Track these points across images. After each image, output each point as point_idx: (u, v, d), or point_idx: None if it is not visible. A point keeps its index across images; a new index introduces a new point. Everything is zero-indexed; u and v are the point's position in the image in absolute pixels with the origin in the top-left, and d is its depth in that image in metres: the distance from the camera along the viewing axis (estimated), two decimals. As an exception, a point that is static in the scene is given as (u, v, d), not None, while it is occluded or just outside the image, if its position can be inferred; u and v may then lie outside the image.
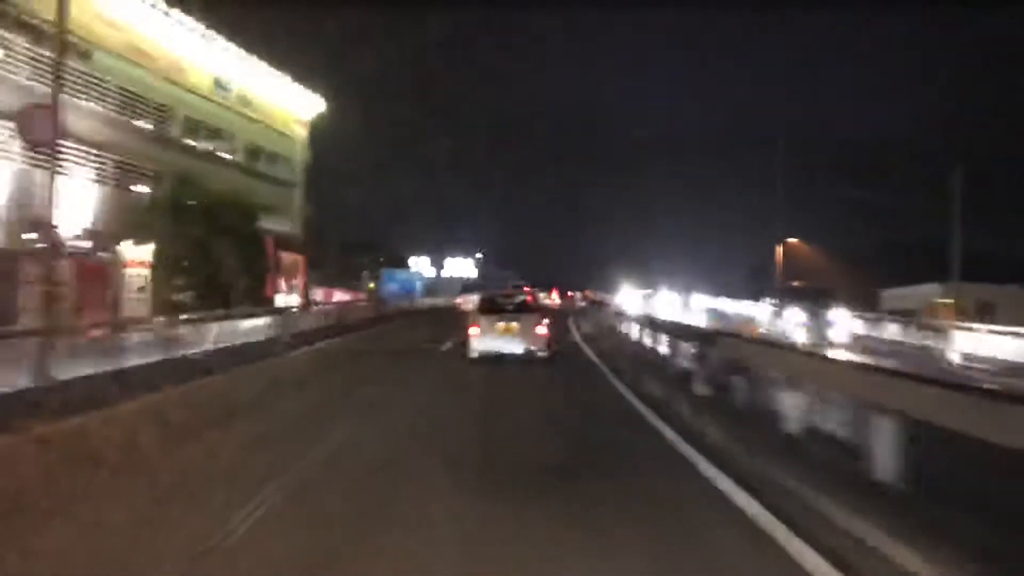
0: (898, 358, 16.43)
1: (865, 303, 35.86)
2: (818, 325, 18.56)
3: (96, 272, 21.71)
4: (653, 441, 7.88)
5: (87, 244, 23.43)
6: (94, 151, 24.22)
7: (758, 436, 6.76)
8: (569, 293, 74.89)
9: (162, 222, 23.22)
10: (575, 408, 10.78)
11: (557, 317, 29.47)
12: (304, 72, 36.32)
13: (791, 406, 6.74)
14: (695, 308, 41.46)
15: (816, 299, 20.05)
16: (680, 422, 8.40)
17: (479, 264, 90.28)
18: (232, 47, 30.70)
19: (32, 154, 19.13)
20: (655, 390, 10.82)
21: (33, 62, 21.98)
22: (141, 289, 21.46)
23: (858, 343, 19.14)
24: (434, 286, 67.27)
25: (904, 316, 30.05)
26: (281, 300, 29.64)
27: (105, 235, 23.25)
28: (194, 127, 29.51)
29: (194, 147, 29.38)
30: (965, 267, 33.21)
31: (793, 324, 19.05)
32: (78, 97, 23.60)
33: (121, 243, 22.29)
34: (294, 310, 28.60)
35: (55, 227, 14.03)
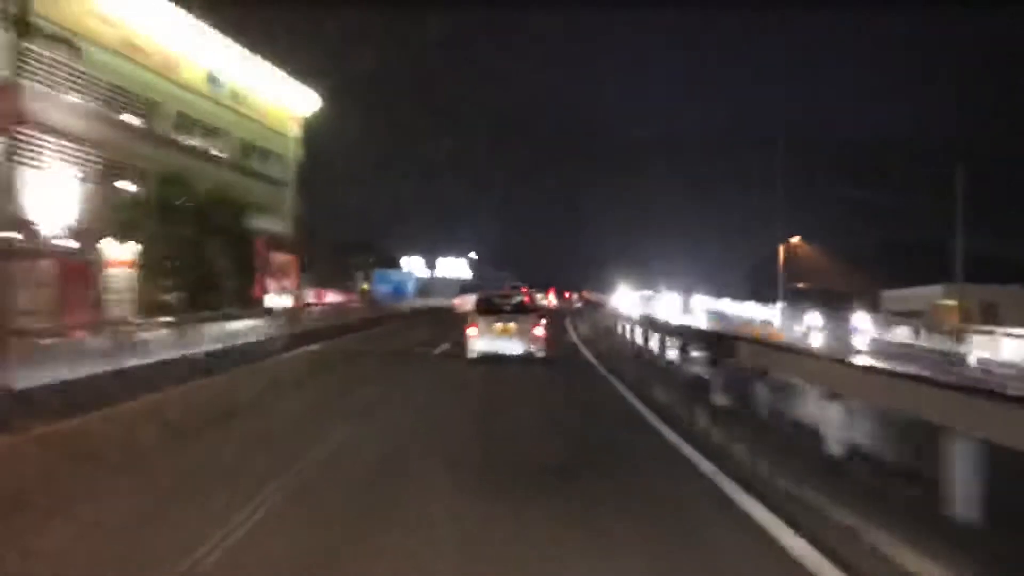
0: (917, 363, 15.75)
1: (868, 305, 35.26)
2: (837, 329, 17.65)
3: (79, 272, 20.99)
4: (669, 457, 7.19)
5: (71, 243, 22.78)
6: (80, 147, 23.55)
7: (792, 456, 6.03)
8: (566, 294, 74.35)
9: (149, 221, 22.60)
10: (579, 418, 10.00)
11: (554, 318, 28.87)
12: (303, 71, 35.76)
13: (827, 421, 6.04)
14: (696, 310, 40.78)
15: (832, 302, 19.16)
16: (698, 436, 7.68)
17: (472, 264, 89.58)
18: (226, 42, 30.01)
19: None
20: (666, 398, 10.10)
21: (19, 57, 21.30)
22: (123, 290, 20.69)
23: (873, 348, 18.35)
24: (428, 287, 66.47)
25: (908, 318, 29.50)
26: (272, 301, 28.91)
27: (90, 234, 22.56)
28: (185, 123, 28.81)
29: (185, 144, 28.68)
30: (966, 268, 32.71)
31: (810, 328, 18.15)
32: (66, 92, 22.96)
33: (102, 242, 21.53)
34: (281, 311, 27.90)
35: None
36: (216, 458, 7.26)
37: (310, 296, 37.25)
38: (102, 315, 20.17)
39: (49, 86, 22.31)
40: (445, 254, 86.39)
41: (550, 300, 57.96)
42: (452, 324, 28.96)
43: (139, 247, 21.36)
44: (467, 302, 40.56)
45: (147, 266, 21.87)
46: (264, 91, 33.92)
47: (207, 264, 24.20)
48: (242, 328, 19.64)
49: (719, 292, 53.52)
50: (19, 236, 17.14)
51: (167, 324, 17.38)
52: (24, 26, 13.98)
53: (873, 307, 37.87)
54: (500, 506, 5.43)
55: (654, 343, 15.85)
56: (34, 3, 18.97)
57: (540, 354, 15.95)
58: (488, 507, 5.42)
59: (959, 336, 18.39)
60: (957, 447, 4.26)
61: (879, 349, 18.17)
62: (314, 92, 37.13)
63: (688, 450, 7.21)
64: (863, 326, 18.34)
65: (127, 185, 25.46)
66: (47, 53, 22.03)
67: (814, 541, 4.48)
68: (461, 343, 17.31)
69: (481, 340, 16.05)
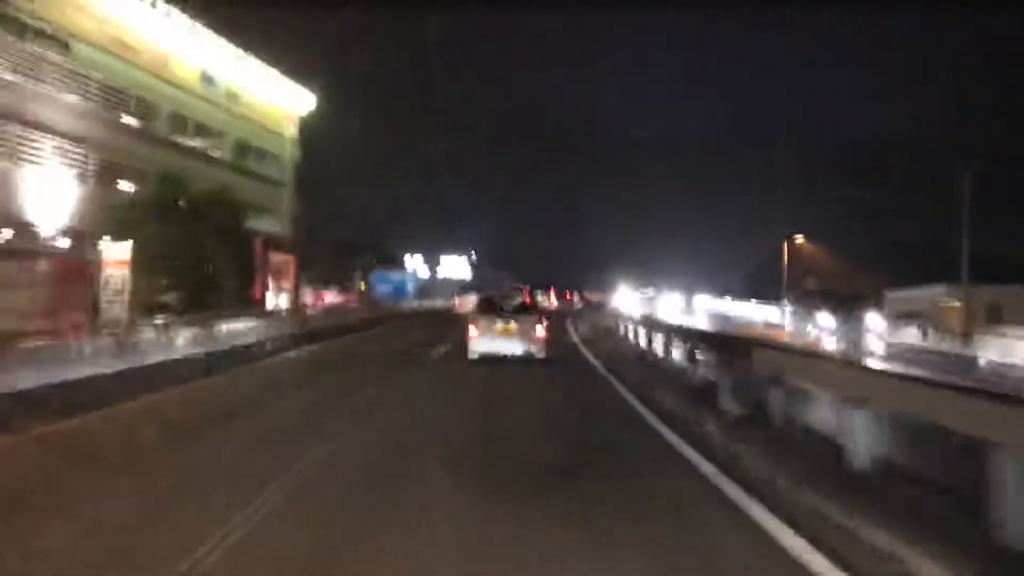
0: (931, 367, 15.38)
1: (872, 305, 34.92)
2: (850, 332, 17.17)
3: (76, 272, 20.67)
4: (680, 471, 6.77)
5: (68, 243, 22.48)
6: (75, 146, 23.25)
7: (814, 468, 5.70)
8: (567, 294, 74.04)
9: (145, 221, 22.30)
10: (583, 428, 9.48)
11: (555, 319, 28.55)
12: (302, 71, 35.58)
13: (852, 431, 5.71)
14: (698, 310, 40.43)
15: (844, 303, 18.65)
16: (710, 446, 7.31)
17: (472, 264, 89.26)
18: (219, 41, 29.73)
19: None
20: (671, 403, 9.73)
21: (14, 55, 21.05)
22: (119, 291, 20.34)
23: (888, 351, 17.88)
24: (428, 287, 66.09)
25: (911, 319, 29.18)
26: (270, 302, 28.59)
27: (86, 233, 22.26)
28: (180, 123, 28.53)
29: (180, 143, 28.40)
30: (975, 268, 32.42)
31: (821, 330, 17.69)
32: (58, 90, 22.66)
33: (100, 242, 21.22)
34: (278, 312, 27.59)
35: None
36: (214, 459, 7.20)
37: (308, 296, 36.93)
38: (99, 316, 19.86)
39: (39, 84, 22.07)
40: (445, 254, 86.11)
41: (551, 301, 57.63)
42: (451, 325, 28.63)
43: (137, 247, 21.02)
44: (467, 302, 40.37)
45: (145, 266, 21.55)
46: (259, 91, 33.65)
47: (205, 265, 23.90)
48: (237, 330, 19.31)
49: (719, 292, 53.22)
50: (11, 235, 16.91)
51: (164, 325, 17.05)
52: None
53: (877, 308, 37.58)
54: (497, 526, 5.12)
55: (658, 345, 15.53)
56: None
57: (540, 355, 15.93)
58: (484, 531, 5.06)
59: (967, 338, 18.07)
60: (1009, 466, 3.94)
61: (894, 352, 17.71)
62: (310, 92, 36.87)
63: (696, 458, 6.89)
64: (877, 328, 17.70)
65: (124, 185, 25.19)
66: (37, 50, 21.78)
67: (847, 567, 4.16)
68: (460, 344, 17.26)
69: (482, 340, 16.10)
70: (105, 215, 22.25)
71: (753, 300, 39.76)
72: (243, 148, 32.80)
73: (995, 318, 35.62)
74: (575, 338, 25.50)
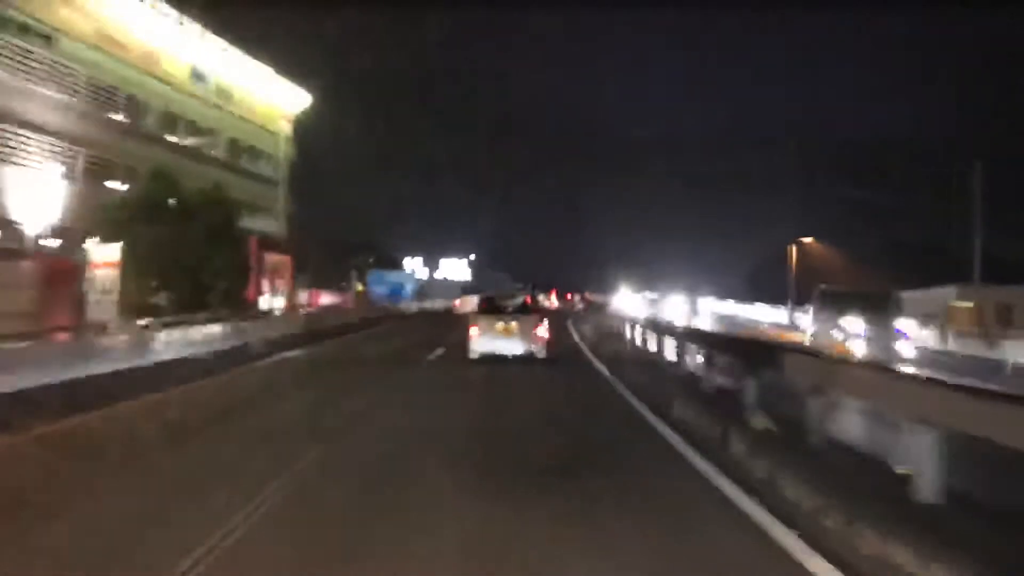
0: (957, 372, 14.62)
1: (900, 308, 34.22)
2: (881, 336, 16.31)
3: (62, 273, 19.99)
4: (705, 495, 5.94)
5: (52, 242, 21.80)
6: (62, 143, 22.59)
7: (872, 502, 4.87)
8: (568, 295, 73.35)
9: (135, 220, 21.65)
10: (589, 441, 8.56)
11: (556, 320, 27.87)
12: (300, 69, 35.00)
13: (917, 457, 4.93)
14: (702, 312, 39.66)
15: (873, 305, 17.65)
16: (738, 467, 6.49)
17: (472, 266, 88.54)
18: (212, 38, 29.04)
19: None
20: (690, 417, 8.93)
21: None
22: (107, 292, 19.63)
23: (920, 356, 16.89)
24: (427, 289, 65.25)
25: (926, 321, 28.47)
26: (265, 303, 27.86)
27: (74, 233, 21.59)
28: (171, 121, 27.85)
29: (171, 141, 27.71)
30: (974, 268, 31.82)
31: (848, 334, 16.81)
32: (43, 86, 21.99)
33: (87, 242, 20.55)
34: (269, 313, 26.86)
35: None
36: (175, 483, 6.41)
37: (304, 297, 36.21)
38: (82, 318, 19.17)
39: (25, 80, 21.40)
40: (445, 255, 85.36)
41: (551, 302, 56.82)
42: (449, 327, 27.95)
43: (126, 248, 20.32)
44: (467, 304, 39.67)
45: (134, 267, 20.85)
46: (253, 88, 32.99)
47: (197, 265, 23.21)
48: (221, 333, 18.56)
49: (721, 294, 52.48)
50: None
51: (145, 327, 16.35)
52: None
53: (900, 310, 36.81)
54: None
55: (669, 350, 14.76)
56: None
57: (541, 354, 16.00)
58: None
59: (988, 340, 17.32)
60: None
61: (926, 358, 16.72)
62: (305, 90, 36.21)
63: (724, 482, 6.07)
64: (910, 332, 16.80)
65: (114, 184, 24.51)
66: (21, 44, 21.11)
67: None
68: (459, 347, 17.24)
69: (482, 340, 16.20)
70: (94, 214, 21.62)
71: (759, 302, 39.05)
72: (236, 146, 32.12)
73: (1005, 319, 34.95)
74: (578, 341, 24.80)
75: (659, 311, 37.64)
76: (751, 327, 33.53)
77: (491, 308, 17.40)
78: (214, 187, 24.40)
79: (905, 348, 16.21)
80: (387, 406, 10.98)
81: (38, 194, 21.40)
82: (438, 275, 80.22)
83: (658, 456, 7.41)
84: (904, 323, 17.10)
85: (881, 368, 6.16)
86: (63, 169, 22.63)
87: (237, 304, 24.42)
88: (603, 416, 10.24)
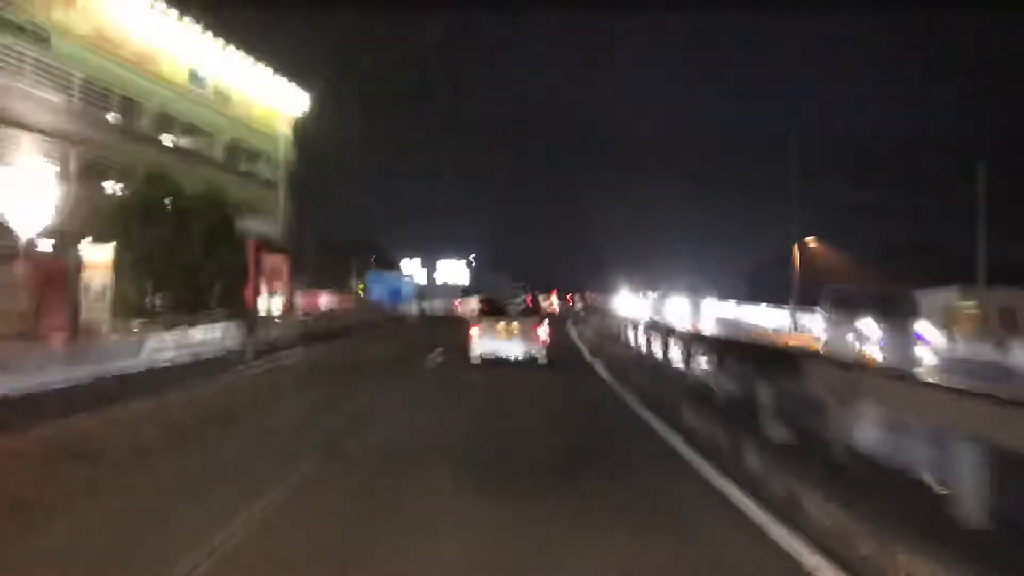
0: (977, 378, 14.13)
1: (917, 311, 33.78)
2: (899, 341, 15.73)
3: (54, 275, 19.68)
4: (727, 515, 5.60)
5: (45, 244, 21.45)
6: (57, 143, 22.24)
7: (911, 524, 4.49)
8: (568, 296, 72.86)
9: (131, 222, 21.35)
10: (595, 455, 7.99)
11: (556, 322, 27.59)
12: (300, 71, 34.71)
13: (960, 475, 4.61)
14: (705, 315, 39.23)
15: (889, 307, 16.99)
16: (758, 484, 6.16)
17: (471, 268, 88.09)
18: (210, 37, 28.68)
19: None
20: (700, 426, 8.60)
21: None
22: (100, 294, 19.30)
23: (943, 362, 16.22)
24: (425, 291, 64.81)
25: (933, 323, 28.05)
26: (262, 305, 27.49)
27: (69, 235, 21.24)
28: (168, 121, 27.50)
29: (168, 143, 27.36)
30: (975, 270, 31.48)
31: (863, 338, 16.22)
32: (37, 86, 21.64)
33: (81, 244, 20.23)
34: (274, 316, 26.48)
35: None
36: (137, 504, 5.90)
37: (302, 299, 35.83)
38: (75, 321, 18.84)
39: (18, 80, 21.06)
40: (444, 256, 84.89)
41: (551, 303, 56.35)
42: (448, 329, 27.65)
43: (121, 249, 19.99)
44: (467, 305, 39.31)
45: (129, 269, 20.54)
46: (252, 89, 32.62)
47: (194, 267, 22.89)
48: (218, 335, 18.23)
49: (722, 295, 52.09)
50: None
51: (132, 330, 16.04)
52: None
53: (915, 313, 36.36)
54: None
55: (676, 355, 14.40)
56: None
57: (542, 357, 15.92)
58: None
59: (1002, 344, 16.93)
60: None
61: (947, 364, 15.95)
62: (304, 91, 35.84)
63: (745, 502, 5.73)
64: (930, 336, 16.14)
65: (109, 185, 24.16)
66: (15, 44, 20.77)
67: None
68: (456, 351, 17.12)
69: (483, 342, 16.14)
70: (89, 216, 21.29)
71: (761, 303, 38.64)
72: (235, 148, 31.76)
73: (1009, 322, 34.57)
74: (580, 345, 24.48)
75: (661, 312, 37.27)
76: (755, 329, 33.17)
77: (492, 310, 17.27)
78: (211, 189, 24.07)
79: (925, 354, 15.65)
80: (376, 423, 9.89)
81: (32, 195, 21.06)
82: (437, 276, 79.73)
83: (671, 471, 7.04)
84: (923, 327, 16.51)
85: (917, 379, 5.77)
86: (58, 170, 22.29)
87: (234, 306, 24.10)
88: (609, 428, 9.73)
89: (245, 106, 32.34)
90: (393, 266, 68.29)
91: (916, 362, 14.99)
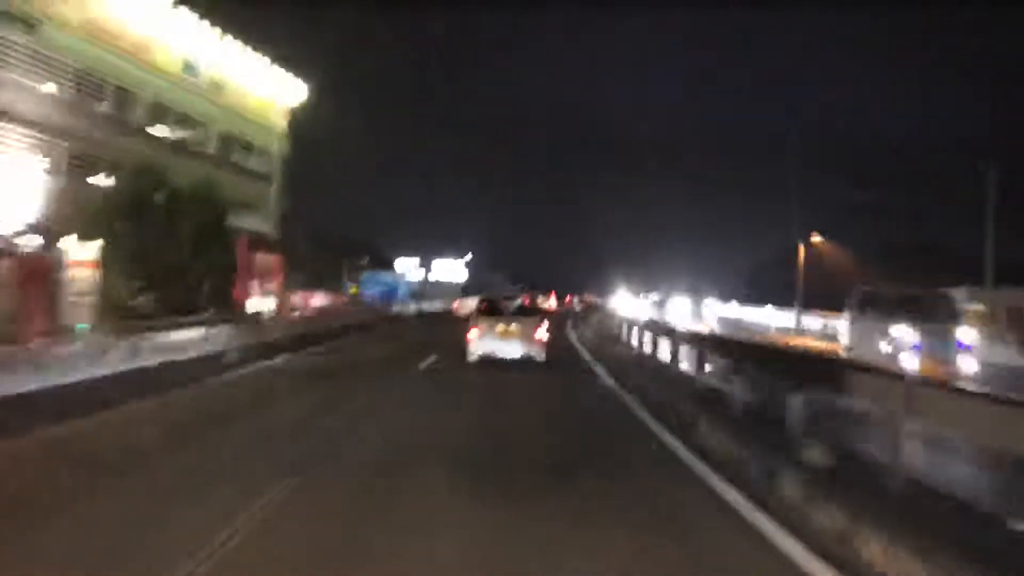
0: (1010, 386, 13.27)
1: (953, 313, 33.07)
2: (938, 348, 14.69)
3: (42, 273, 18.97)
4: (763, 556, 4.80)
5: (30, 240, 20.72)
6: (42, 135, 21.47)
7: (994, 570, 3.86)
8: (567, 297, 72.31)
9: (120, 217, 20.64)
10: (603, 477, 6.97)
11: (555, 324, 26.94)
12: (299, 63, 33.96)
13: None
14: (707, 316, 38.56)
15: (924, 310, 15.91)
16: (793, 514, 5.41)
17: (469, 267, 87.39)
18: (205, 25, 27.93)
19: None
20: (720, 444, 7.73)
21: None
22: (85, 293, 18.56)
23: (988, 372, 14.83)
24: (422, 290, 64.04)
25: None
26: (255, 304, 26.76)
27: (54, 230, 20.50)
28: (160, 113, 26.72)
29: (159, 135, 26.59)
30: (976, 270, 30.83)
31: (898, 345, 15.24)
32: (24, 75, 20.87)
33: (64, 240, 19.49)
34: (265, 316, 25.79)
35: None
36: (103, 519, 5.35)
37: (296, 299, 35.11)
38: (57, 321, 18.10)
39: (5, 69, 20.30)
40: (442, 255, 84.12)
41: (550, 304, 55.69)
42: (445, 331, 27.04)
43: (108, 246, 19.27)
44: (466, 305, 38.61)
45: (116, 266, 19.81)
46: (247, 79, 31.78)
47: (182, 265, 22.18)
48: (204, 337, 17.47)
49: (723, 296, 51.51)
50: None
51: (103, 333, 15.31)
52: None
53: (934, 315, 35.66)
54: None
55: (685, 360, 13.67)
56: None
57: (541, 357, 15.92)
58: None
59: (1021, 347, 16.18)
60: None
61: (992, 375, 14.85)
62: (302, 81, 35.03)
63: (777, 536, 4.99)
64: (970, 342, 15.07)
65: (95, 178, 23.40)
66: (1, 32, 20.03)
67: None
68: (454, 354, 17.00)
69: (482, 341, 16.13)
70: (76, 210, 20.57)
71: (764, 304, 37.97)
72: (228, 141, 30.97)
73: (1018, 323, 33.96)
74: (579, 347, 23.82)
75: (663, 314, 36.60)
76: (760, 331, 32.52)
77: (491, 310, 17.18)
78: (203, 183, 23.33)
79: (968, 362, 14.68)
80: (365, 440, 8.83)
81: (14, 188, 20.34)
82: (434, 276, 78.91)
83: (693, 499, 6.11)
84: (965, 332, 15.46)
85: (996, 396, 5.01)
86: (43, 162, 21.56)
87: (225, 306, 23.41)
88: (618, 445, 8.61)
89: (240, 95, 31.56)
90: (390, 265, 67.54)
91: (959, 373, 14.10)
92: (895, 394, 5.38)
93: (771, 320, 35.66)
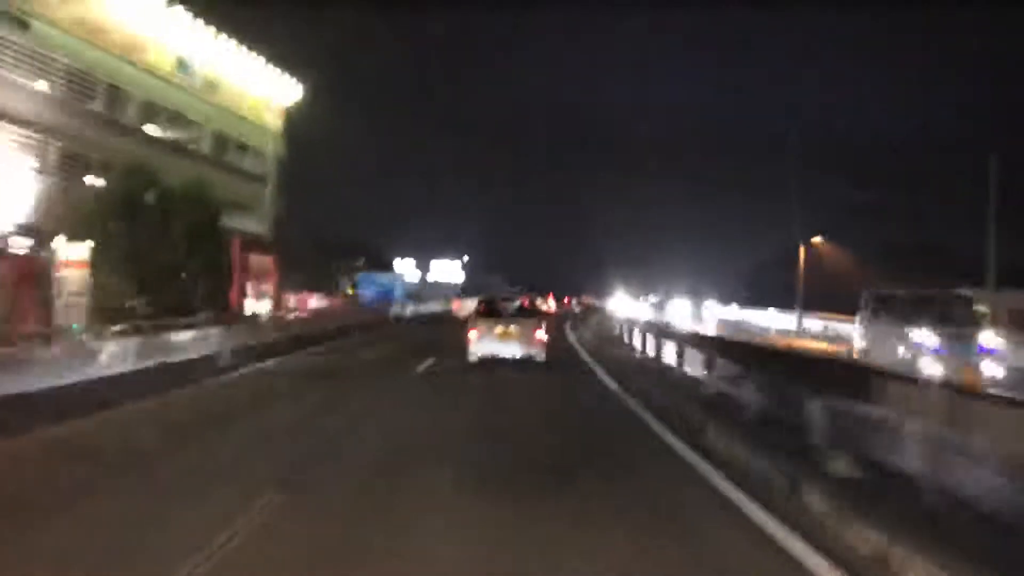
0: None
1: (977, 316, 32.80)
2: (959, 353, 14.14)
3: (34, 274, 18.69)
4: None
5: (20, 241, 20.37)
6: (33, 134, 21.12)
7: None
8: (566, 299, 72.06)
9: (111, 217, 20.29)
10: (612, 488, 6.53)
11: (554, 325, 26.69)
12: (295, 62, 33.64)
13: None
14: (707, 317, 38.27)
15: (944, 312, 15.42)
16: (822, 532, 5.01)
17: (466, 268, 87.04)
18: (199, 23, 27.57)
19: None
20: (736, 453, 7.34)
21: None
22: (76, 295, 18.18)
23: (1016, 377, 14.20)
24: (419, 291, 63.63)
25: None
26: (249, 306, 26.40)
27: (46, 231, 20.16)
28: (152, 112, 26.35)
29: (152, 134, 26.22)
30: (976, 270, 30.68)
31: (918, 350, 14.74)
32: (15, 73, 20.51)
33: (55, 240, 19.14)
34: (260, 318, 25.43)
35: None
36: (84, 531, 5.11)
37: (291, 300, 34.76)
38: (51, 321, 17.78)
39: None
40: (439, 257, 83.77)
41: (548, 306, 55.36)
42: (443, 332, 26.75)
43: (99, 247, 18.90)
44: (466, 307, 38.29)
45: (107, 267, 19.44)
46: (241, 78, 31.40)
47: (175, 266, 21.83)
48: (195, 339, 17.09)
49: (723, 297, 51.31)
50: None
51: (95, 334, 14.96)
52: None
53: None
54: None
55: (695, 364, 13.29)
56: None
57: (540, 358, 15.95)
58: None
59: (1025, 348, 15.90)
60: None
61: (1018, 378, 14.23)
62: (298, 81, 34.66)
63: (807, 557, 4.61)
64: (995, 347, 14.55)
65: (87, 178, 23.05)
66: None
67: None
68: (453, 356, 16.96)
69: (481, 342, 16.12)
70: (68, 210, 20.24)
71: (765, 306, 37.70)
72: (222, 141, 30.59)
73: (1020, 324, 33.73)
74: (579, 348, 23.49)
75: (662, 316, 36.31)
76: (760, 333, 32.24)
77: (490, 311, 17.15)
78: (196, 183, 22.97)
79: (993, 367, 14.17)
80: (364, 440, 8.65)
81: (7, 188, 20.03)
82: (431, 277, 78.51)
83: (710, 514, 5.67)
84: (989, 337, 14.96)
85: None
86: (33, 162, 21.22)
87: (220, 308, 23.06)
88: (627, 455, 7.98)
89: (234, 95, 31.19)
90: (387, 266, 67.14)
91: (985, 380, 13.56)
92: (931, 403, 5.01)
93: (771, 322, 35.37)
